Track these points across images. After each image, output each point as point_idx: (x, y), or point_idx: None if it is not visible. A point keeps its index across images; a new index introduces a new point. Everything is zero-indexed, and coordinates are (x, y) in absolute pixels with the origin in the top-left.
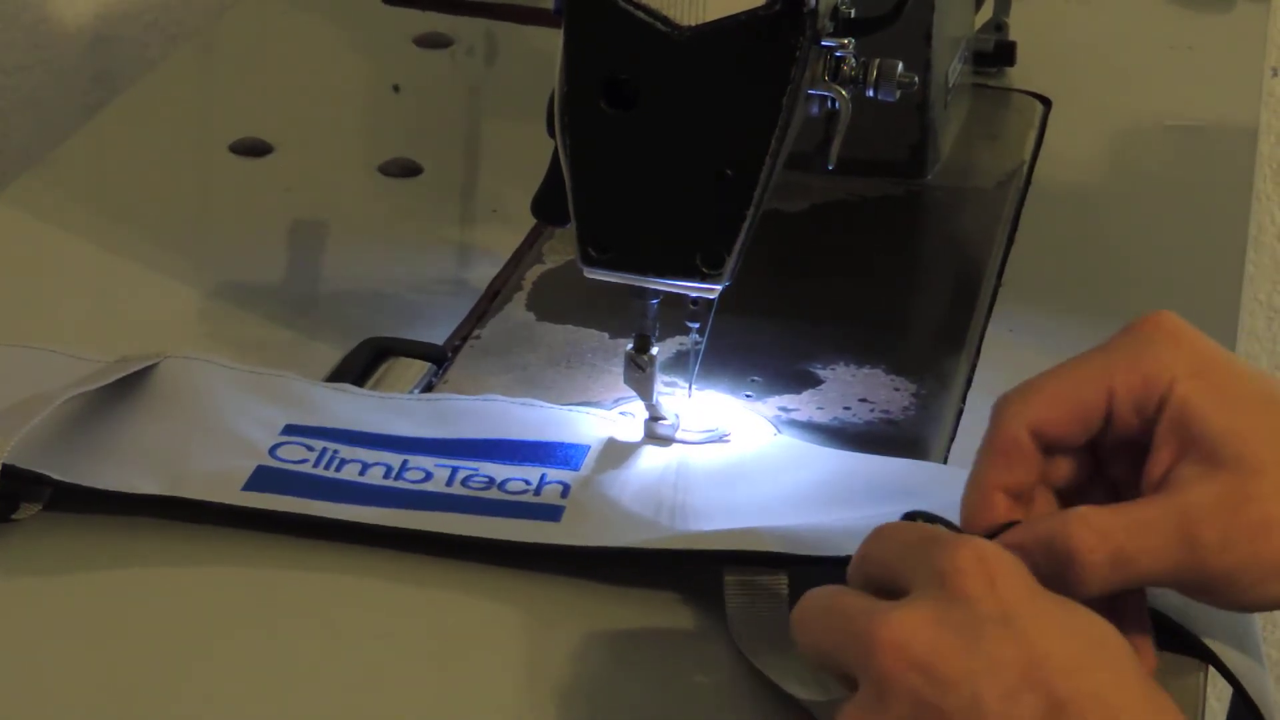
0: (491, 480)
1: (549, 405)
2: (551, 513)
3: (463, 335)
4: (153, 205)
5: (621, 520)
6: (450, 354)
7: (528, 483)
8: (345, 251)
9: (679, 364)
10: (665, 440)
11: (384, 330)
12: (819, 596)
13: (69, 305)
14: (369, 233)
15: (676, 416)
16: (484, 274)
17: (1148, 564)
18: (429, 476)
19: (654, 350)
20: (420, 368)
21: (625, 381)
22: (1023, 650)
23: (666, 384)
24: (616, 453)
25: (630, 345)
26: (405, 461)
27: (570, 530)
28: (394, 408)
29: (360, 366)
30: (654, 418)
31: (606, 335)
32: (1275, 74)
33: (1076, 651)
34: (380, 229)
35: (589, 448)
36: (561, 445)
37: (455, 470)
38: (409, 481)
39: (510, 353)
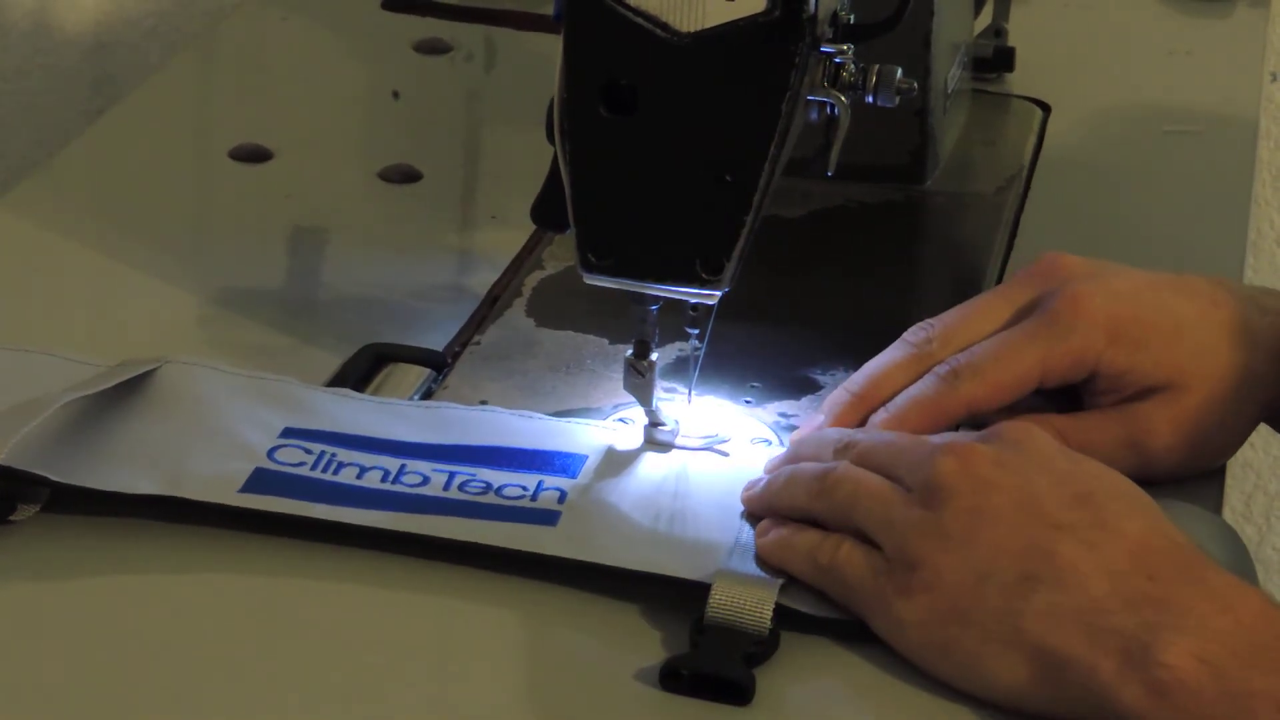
0: (488, 486)
1: (546, 417)
2: (548, 518)
3: (462, 341)
4: (153, 211)
5: (618, 527)
6: (450, 360)
7: (524, 489)
8: (345, 257)
9: (679, 370)
10: (665, 446)
11: (384, 336)
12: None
13: (69, 311)
14: (369, 239)
15: (676, 422)
16: (483, 280)
17: (1102, 459)
18: (426, 481)
19: (653, 356)
20: (420, 373)
21: (625, 387)
22: (1062, 460)
23: (666, 390)
24: (615, 461)
25: (630, 351)
26: (403, 466)
27: (567, 535)
28: (393, 412)
29: (360, 372)
30: (653, 423)
31: (606, 341)
32: (1274, 78)
33: (1097, 466)
34: (380, 235)
35: (586, 457)
36: (559, 454)
37: (452, 475)
38: (406, 485)
39: (510, 359)
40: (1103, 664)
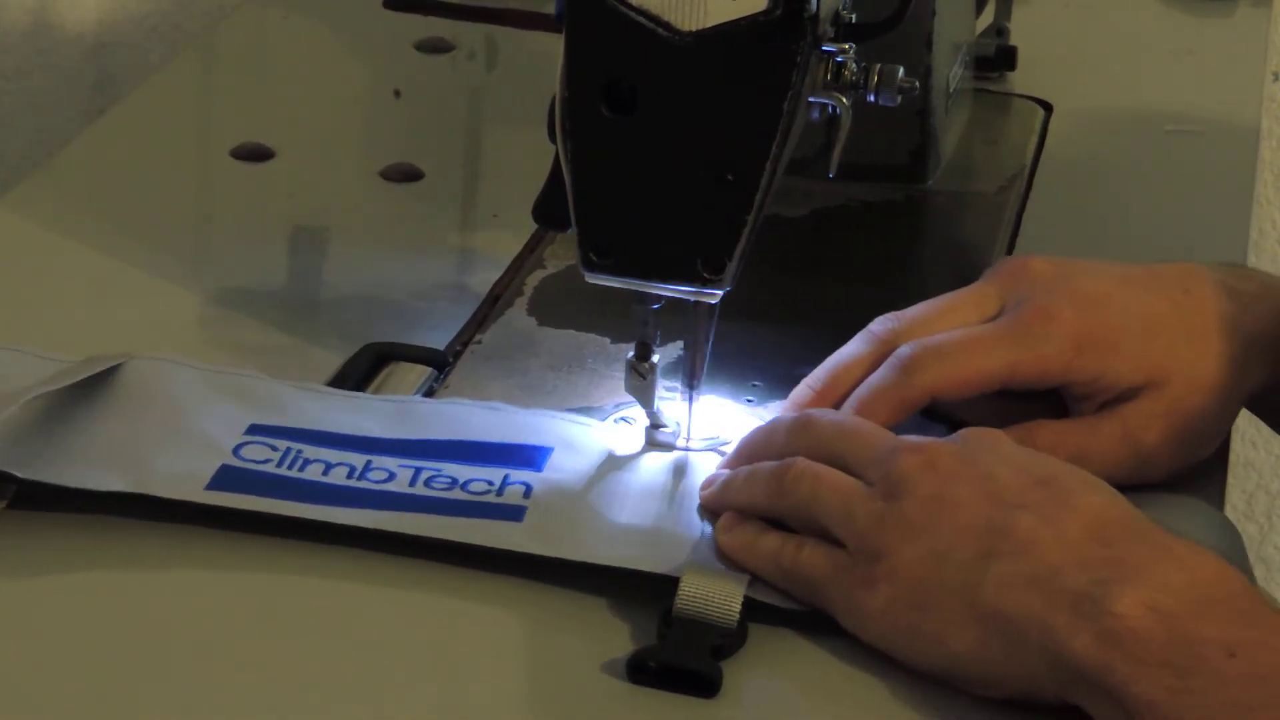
0: (454, 481)
1: (513, 408)
2: (514, 513)
3: (464, 340)
4: (154, 211)
5: (585, 521)
6: (451, 359)
7: (490, 483)
8: (346, 257)
9: (680, 370)
10: (666, 447)
11: (385, 335)
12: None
13: (70, 310)
14: (370, 238)
15: (677, 424)
16: (485, 279)
17: (1099, 460)
18: (392, 477)
19: (655, 358)
20: (421, 373)
21: (626, 389)
22: (1023, 455)
23: (667, 389)
24: (581, 452)
25: (631, 353)
26: (369, 462)
27: (533, 531)
28: (359, 407)
29: (361, 372)
30: (655, 425)
31: (608, 340)
32: (1276, 78)
33: (1059, 461)
34: (381, 234)
35: (552, 449)
36: (524, 446)
37: (418, 471)
38: (372, 482)
39: (511, 358)
40: (1055, 619)
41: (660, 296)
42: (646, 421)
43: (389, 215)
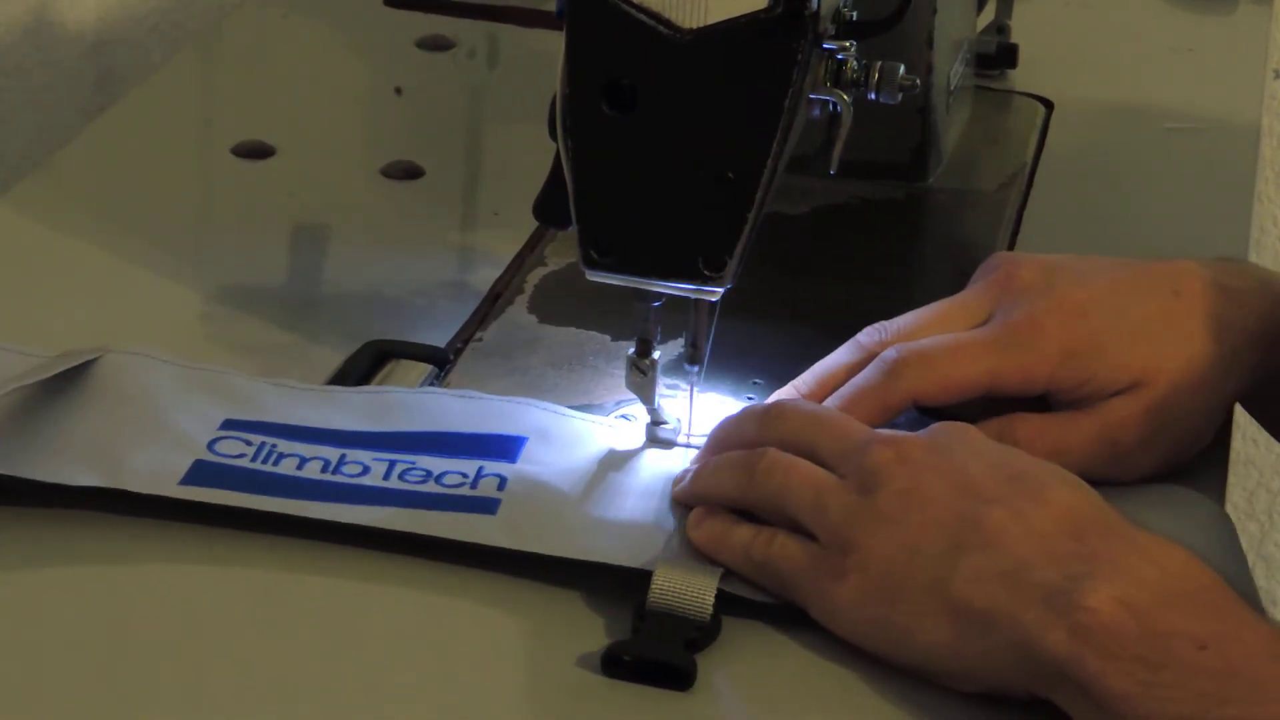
0: (428, 474)
1: (485, 396)
2: (488, 506)
3: (464, 338)
4: (155, 208)
5: (559, 514)
6: (452, 356)
7: (464, 475)
8: (347, 254)
9: (681, 367)
10: (667, 444)
11: (386, 333)
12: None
13: (70, 308)
14: (371, 235)
15: (678, 420)
16: (486, 276)
17: (1077, 455)
18: (366, 470)
19: (655, 354)
20: (422, 370)
21: (627, 385)
22: (995, 450)
23: (669, 386)
24: (555, 443)
25: (632, 350)
26: (343, 455)
27: (507, 524)
28: (334, 401)
29: (362, 369)
30: (655, 421)
31: (608, 338)
32: (1277, 76)
33: (1031, 457)
34: (382, 232)
35: (526, 439)
36: (499, 437)
37: (393, 464)
38: (346, 475)
39: (512, 355)
40: (1026, 614)
41: (661, 294)
42: (647, 418)
43: (390, 213)
